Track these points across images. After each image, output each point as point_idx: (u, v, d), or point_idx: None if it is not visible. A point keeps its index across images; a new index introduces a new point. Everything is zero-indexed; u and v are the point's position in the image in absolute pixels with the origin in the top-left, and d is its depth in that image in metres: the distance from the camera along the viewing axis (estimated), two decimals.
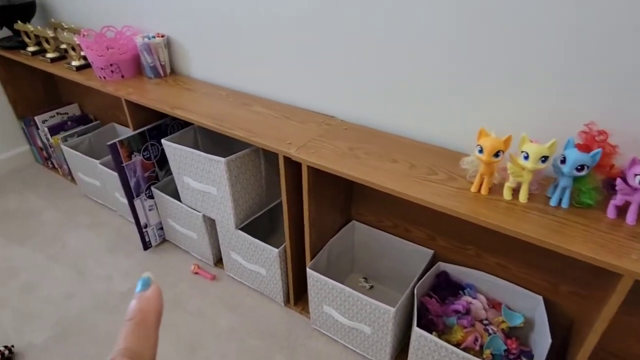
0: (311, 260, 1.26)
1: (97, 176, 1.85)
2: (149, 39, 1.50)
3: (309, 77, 1.28)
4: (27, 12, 1.85)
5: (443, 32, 0.98)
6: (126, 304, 1.55)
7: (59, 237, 1.80)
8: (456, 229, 1.21)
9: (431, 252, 1.27)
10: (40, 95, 2.21)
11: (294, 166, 1.15)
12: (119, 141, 1.45)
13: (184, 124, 1.64)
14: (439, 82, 1.05)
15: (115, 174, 1.68)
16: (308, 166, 1.07)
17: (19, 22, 1.77)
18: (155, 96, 1.42)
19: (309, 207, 1.16)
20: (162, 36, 1.53)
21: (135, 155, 1.52)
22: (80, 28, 1.66)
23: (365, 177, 0.97)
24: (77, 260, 1.68)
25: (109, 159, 1.79)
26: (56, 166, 2.20)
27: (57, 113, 2.13)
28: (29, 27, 1.74)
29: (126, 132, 2.02)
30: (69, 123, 2.08)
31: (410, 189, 0.93)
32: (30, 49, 1.82)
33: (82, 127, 2.04)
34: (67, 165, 2.08)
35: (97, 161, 1.77)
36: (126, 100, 1.46)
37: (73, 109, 2.19)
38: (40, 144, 2.17)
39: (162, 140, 1.40)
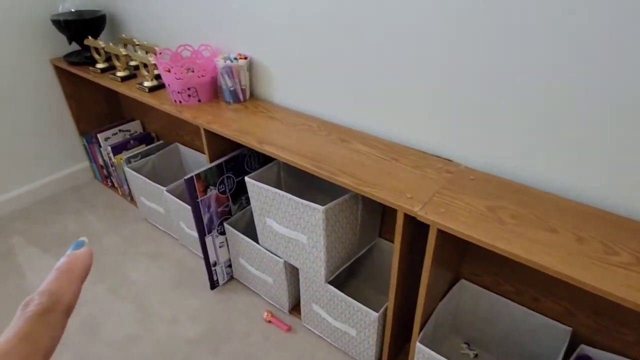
0: (420, 331, 1.06)
1: (161, 203, 1.72)
2: (231, 61, 1.35)
3: (423, 111, 1.09)
4: (96, 27, 1.75)
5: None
6: (194, 354, 1.42)
7: (120, 267, 1.67)
8: (607, 306, 0.98)
9: (569, 329, 1.04)
10: (103, 111, 2.12)
11: (413, 225, 0.96)
12: (196, 175, 1.30)
13: (263, 155, 1.48)
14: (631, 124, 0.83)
15: (182, 203, 1.55)
16: (438, 229, 0.88)
17: (90, 37, 1.67)
18: (238, 126, 1.27)
19: (430, 275, 0.96)
20: (245, 58, 1.38)
21: (210, 190, 1.37)
22: (153, 45, 1.53)
23: (526, 255, 0.76)
24: (140, 296, 1.55)
25: (175, 186, 1.66)
26: (116, 185, 2.10)
27: (120, 130, 2.03)
28: (100, 43, 1.64)
29: (190, 154, 1.90)
30: (131, 142, 1.98)
31: (592, 276, 0.72)
32: (100, 65, 1.71)
33: (145, 148, 1.93)
34: (128, 186, 1.97)
35: (164, 188, 1.64)
36: (205, 130, 1.31)
37: (135, 126, 2.09)
38: (101, 161, 2.08)
39: (246, 179, 1.23)
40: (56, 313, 0.24)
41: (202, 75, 1.38)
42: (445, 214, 0.88)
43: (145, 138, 2.03)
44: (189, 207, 1.53)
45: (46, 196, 2.08)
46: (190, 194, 1.31)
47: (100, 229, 1.88)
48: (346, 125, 1.27)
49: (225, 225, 1.45)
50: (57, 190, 2.11)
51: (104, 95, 2.09)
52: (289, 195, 1.13)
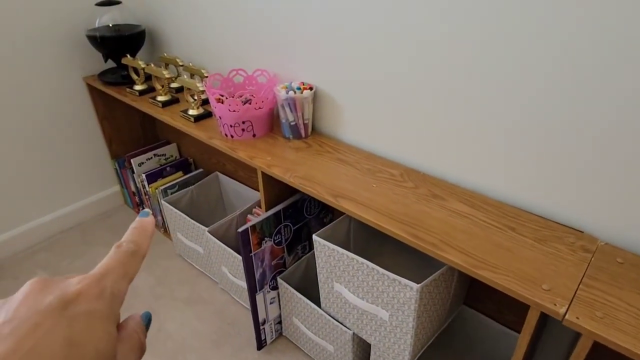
0: None
1: (201, 243, 1.53)
2: (294, 91, 1.15)
3: (545, 163, 0.87)
4: (135, 44, 1.58)
5: None
6: None
7: (155, 315, 1.49)
8: None
9: None
10: (136, 132, 1.95)
11: (542, 317, 0.74)
12: (251, 227, 1.11)
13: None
14: None
15: (225, 246, 1.36)
16: (595, 341, 0.66)
17: (128, 56, 1.50)
18: (304, 172, 1.06)
19: None
20: (310, 88, 1.17)
21: (265, 242, 1.17)
22: (199, 68, 1.35)
23: None
24: (177, 354, 1.35)
25: (217, 226, 1.47)
26: None
27: (155, 155, 1.85)
28: (140, 63, 1.46)
29: (231, 185, 1.71)
30: (167, 169, 1.80)
31: None
32: (138, 87, 1.54)
33: (183, 177, 1.74)
34: (162, 217, 1.79)
35: (205, 229, 1.45)
36: (264, 174, 1.12)
37: (171, 150, 1.91)
38: (133, 188, 1.91)
39: (315, 238, 1.03)
40: (137, 256, 0.29)
41: (260, 108, 1.18)
42: (605, 320, 0.66)
43: (181, 165, 1.85)
44: (232, 252, 1.34)
45: (74, 224, 1.91)
46: (243, 247, 1.12)
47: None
48: (436, 175, 1.05)
49: (279, 280, 1.24)
50: (86, 218, 1.95)
51: (139, 116, 1.92)
52: (371, 265, 0.92)
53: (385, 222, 0.88)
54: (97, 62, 1.72)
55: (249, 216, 1.50)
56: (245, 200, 1.67)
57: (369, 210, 0.92)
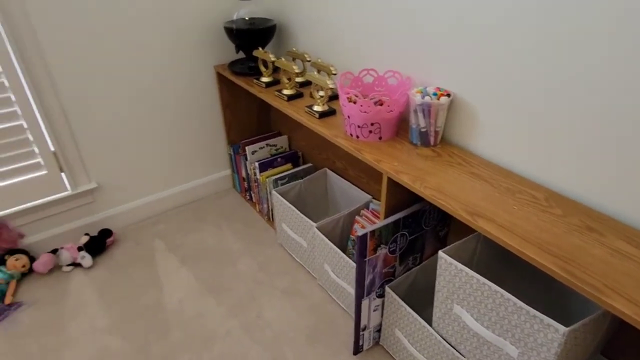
0: None
1: (306, 237, 1.55)
2: (430, 97, 1.10)
3: None
4: (266, 37, 1.63)
5: None
6: None
7: (254, 300, 1.54)
8: None
9: None
10: (252, 122, 2.03)
11: None
12: (370, 232, 1.08)
13: (445, 214, 1.21)
14: None
15: (332, 245, 1.35)
16: None
17: (260, 49, 1.55)
18: (435, 182, 1.01)
19: None
20: (448, 95, 1.11)
21: (381, 248, 1.13)
22: (328, 65, 1.35)
23: None
24: (274, 344, 1.38)
25: (325, 223, 1.47)
26: (254, 200, 2.00)
27: (267, 144, 1.91)
28: (271, 56, 1.50)
29: (338, 183, 1.68)
30: (278, 160, 1.85)
31: None
32: (265, 79, 1.59)
33: (293, 170, 1.78)
34: (268, 205, 1.85)
35: (314, 224, 1.45)
36: (389, 180, 1.08)
37: (282, 142, 1.96)
38: (244, 174, 1.99)
39: (441, 255, 0.97)
40: None
41: (391, 111, 1.14)
42: None
43: (291, 157, 1.89)
44: (339, 251, 1.33)
45: (188, 201, 2.05)
46: (359, 252, 1.09)
47: (237, 249, 1.78)
48: (589, 204, 0.93)
49: (387, 289, 1.20)
50: (199, 196, 2.08)
51: (257, 106, 1.99)
52: (507, 295, 0.84)
53: (532, 251, 0.79)
54: (228, 53, 1.82)
55: (357, 218, 1.48)
56: (352, 200, 1.66)
57: (512, 235, 0.84)
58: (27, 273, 1.63)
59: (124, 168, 1.80)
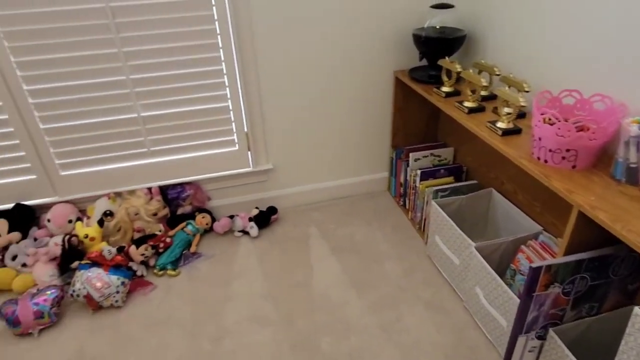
0: None
1: (460, 255, 1.49)
2: None
3: None
4: (453, 48, 1.61)
5: None
6: None
7: (396, 303, 1.55)
8: None
9: None
10: (419, 129, 2.03)
11: None
12: (546, 266, 0.99)
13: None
14: None
15: (490, 269, 1.27)
16: None
17: (447, 58, 1.54)
18: None
19: None
20: None
21: (553, 286, 1.03)
22: (521, 82, 1.26)
23: None
24: (409, 351, 1.37)
25: (485, 246, 1.39)
26: (407, 207, 2.00)
27: (432, 154, 1.89)
28: (457, 67, 1.48)
29: (503, 206, 1.55)
30: (441, 171, 1.81)
31: None
32: (445, 89, 1.57)
33: (455, 184, 1.73)
34: (422, 214, 1.83)
35: (473, 244, 1.39)
36: (580, 214, 0.97)
37: (447, 154, 1.92)
38: (402, 179, 2.01)
39: (638, 311, 0.84)
40: None
41: (594, 139, 1.02)
42: None
43: (455, 171, 1.83)
44: (498, 278, 1.24)
45: (344, 196, 2.17)
46: (528, 286, 1.01)
47: (384, 250, 1.81)
48: None
49: (551, 332, 1.09)
50: (354, 193, 2.18)
51: (427, 114, 1.99)
52: None
53: None
54: (409, 59, 1.85)
55: (522, 247, 1.36)
56: (517, 227, 1.54)
57: None
58: (208, 230, 1.93)
59: (296, 155, 1.99)
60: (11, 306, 1.43)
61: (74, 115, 1.64)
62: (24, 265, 1.64)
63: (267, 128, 1.88)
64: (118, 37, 1.54)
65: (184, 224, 1.85)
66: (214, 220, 1.93)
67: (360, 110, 1.95)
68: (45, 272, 1.60)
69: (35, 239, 1.69)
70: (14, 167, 1.67)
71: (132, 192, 1.81)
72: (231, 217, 1.93)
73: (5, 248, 1.66)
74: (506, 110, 1.28)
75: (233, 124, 1.82)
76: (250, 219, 1.91)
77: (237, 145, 1.87)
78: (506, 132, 1.26)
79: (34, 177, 1.70)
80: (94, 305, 1.51)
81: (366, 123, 2.00)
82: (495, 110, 1.41)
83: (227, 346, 1.42)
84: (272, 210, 1.97)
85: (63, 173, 1.73)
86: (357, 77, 1.86)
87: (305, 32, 1.70)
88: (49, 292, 1.48)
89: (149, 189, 1.82)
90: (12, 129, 1.60)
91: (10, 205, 1.71)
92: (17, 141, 1.62)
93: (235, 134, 1.85)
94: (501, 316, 1.29)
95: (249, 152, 1.90)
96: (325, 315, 1.52)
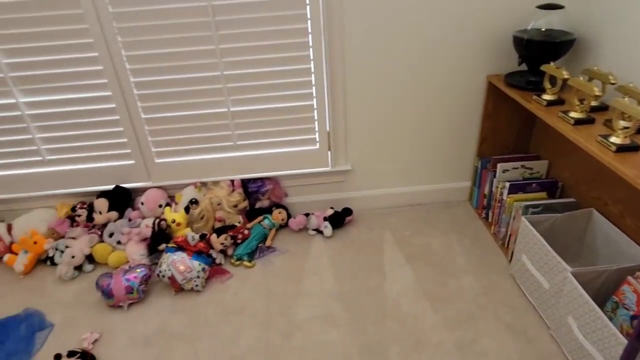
0: None
1: (552, 280, 1.37)
2: None
3: None
4: (559, 52, 1.48)
5: None
6: None
7: (473, 322, 1.46)
8: None
9: None
10: (510, 138, 1.90)
11: None
12: None
13: None
14: None
15: (589, 299, 1.14)
16: None
17: (552, 63, 1.42)
18: None
19: None
20: None
21: None
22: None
23: None
24: None
25: (585, 272, 1.26)
26: (490, 220, 1.89)
27: (522, 166, 1.76)
28: (564, 73, 1.35)
29: (606, 230, 1.39)
30: (533, 185, 1.68)
31: None
32: (547, 97, 1.45)
33: (549, 201, 1.59)
34: (507, 230, 1.71)
35: (569, 269, 1.27)
36: None
37: (540, 167, 1.77)
38: (486, 191, 1.90)
39: None
40: None
41: None
42: None
43: (548, 186, 1.69)
44: (598, 311, 1.11)
45: (420, 202, 2.09)
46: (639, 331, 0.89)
47: (461, 264, 1.72)
48: None
49: None
50: (431, 200, 2.09)
51: (520, 123, 1.85)
52: None
53: None
54: (506, 63, 1.73)
55: (629, 279, 1.21)
56: (621, 255, 1.37)
57: None
58: (284, 226, 1.96)
59: (375, 158, 1.95)
60: (106, 279, 1.56)
61: (171, 107, 1.75)
62: (118, 242, 1.78)
63: (349, 129, 1.87)
64: (216, 35, 1.61)
65: (261, 217, 1.90)
66: (289, 216, 1.96)
67: (446, 115, 1.87)
68: (136, 251, 1.73)
69: (130, 220, 1.83)
70: (116, 152, 1.82)
71: (216, 183, 1.90)
72: (306, 215, 1.95)
73: (104, 225, 1.82)
74: (623, 124, 1.14)
75: (316, 122, 1.83)
76: (325, 219, 1.92)
77: (317, 144, 1.88)
78: (622, 149, 1.13)
79: (132, 162, 1.85)
80: (176, 287, 1.60)
81: (451, 129, 1.91)
82: (607, 123, 1.27)
83: (296, 342, 1.43)
84: (347, 211, 1.96)
85: (158, 160, 1.86)
86: (446, 80, 1.78)
87: (397, 31, 1.66)
88: (138, 270, 1.60)
89: (232, 181, 1.90)
90: (118, 117, 1.74)
91: (110, 187, 1.87)
92: (122, 128, 1.77)
93: (317, 133, 1.86)
94: (599, 353, 1.16)
95: (329, 152, 1.90)
96: (395, 324, 1.47)
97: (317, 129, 1.85)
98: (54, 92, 1.69)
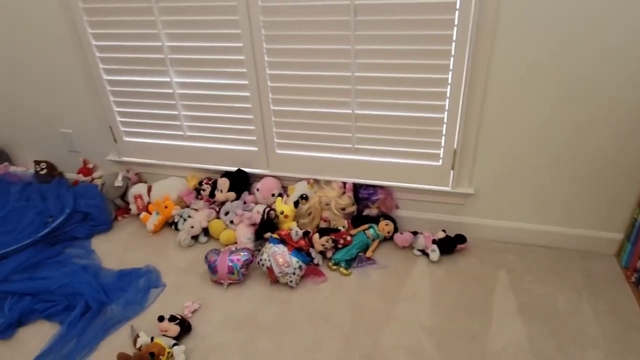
0: None
1: None
2: None
3: None
4: None
5: None
6: None
7: None
8: None
9: None
10: None
11: None
12: None
13: None
14: None
15: None
16: None
17: None
18: None
19: None
20: None
21: None
22: None
23: None
24: None
25: None
26: None
27: None
28: None
29: None
30: None
31: None
32: None
33: None
34: None
35: None
36: None
37: None
38: None
39: None
40: None
41: None
42: None
43: None
44: None
45: (550, 245, 1.80)
46: None
47: (591, 333, 1.43)
48: None
49: None
50: (565, 246, 1.78)
51: None
52: None
53: None
54: None
55: None
56: None
57: None
58: (388, 239, 1.87)
59: (504, 185, 1.73)
60: (214, 256, 1.67)
61: (298, 102, 1.77)
62: (231, 222, 1.90)
63: (480, 150, 1.67)
64: (354, 35, 1.57)
65: (366, 226, 1.84)
66: (396, 230, 1.87)
67: (602, 149, 1.55)
68: (244, 234, 1.82)
69: (245, 202, 1.93)
70: (244, 137, 1.93)
71: (328, 183, 1.89)
72: (414, 233, 1.83)
73: (222, 203, 1.95)
74: None
75: (443, 138, 1.68)
76: (434, 241, 1.77)
77: (440, 160, 1.73)
78: None
79: (256, 149, 1.94)
80: (272, 278, 1.64)
81: (607, 166, 1.59)
82: None
83: None
84: (461, 238, 1.78)
85: (278, 151, 1.91)
86: (607, 108, 1.47)
87: (558, 51, 1.41)
88: (242, 254, 1.68)
89: (344, 183, 1.87)
90: (249, 105, 1.83)
91: (233, 169, 1.99)
92: (251, 116, 1.86)
93: (442, 149, 1.71)
94: None
95: (452, 171, 1.74)
96: None
97: (443, 144, 1.70)
98: (200, 76, 1.84)
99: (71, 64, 1.98)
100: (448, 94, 1.59)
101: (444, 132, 1.67)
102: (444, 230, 1.82)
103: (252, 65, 1.73)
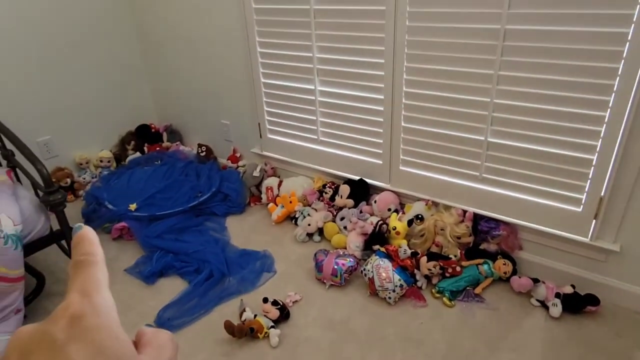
0: None
1: None
2: None
3: None
4: None
5: None
6: None
7: None
8: None
9: None
10: None
11: None
12: None
13: None
14: None
15: None
16: None
17: None
18: None
19: None
20: None
21: None
22: None
23: None
24: None
25: None
26: None
27: None
28: None
29: None
30: None
31: None
32: None
33: None
34: None
35: None
36: None
37: None
38: None
39: None
40: (102, 263, 0.30)
41: None
42: None
43: None
44: None
45: None
46: None
47: None
48: None
49: None
50: None
51: None
52: None
53: None
54: None
55: None
56: None
57: None
58: (503, 280, 1.72)
59: None
60: (322, 255, 1.77)
61: (429, 122, 1.76)
62: (345, 227, 1.98)
63: (635, 202, 1.43)
64: (499, 60, 1.50)
65: (481, 260, 1.72)
66: (514, 272, 1.70)
67: None
68: (354, 241, 1.88)
69: (361, 212, 1.99)
70: (371, 149, 1.99)
71: (447, 208, 1.82)
72: (535, 280, 1.64)
73: (340, 208, 2.05)
74: None
75: (589, 181, 1.49)
76: (558, 295, 1.57)
77: (582, 207, 1.53)
78: None
79: (380, 162, 1.98)
80: (372, 290, 1.66)
81: None
82: None
83: None
84: (592, 299, 1.54)
85: (402, 167, 1.92)
86: None
87: None
88: (348, 259, 1.73)
89: (464, 211, 1.78)
90: (381, 119, 1.88)
91: (356, 178, 2.07)
92: (381, 130, 1.91)
93: (585, 194, 1.51)
94: None
95: (594, 221, 1.52)
96: None
97: (587, 189, 1.50)
98: (341, 86, 1.97)
99: (239, 65, 2.30)
100: (602, 134, 1.40)
101: (590, 176, 1.47)
102: (572, 286, 1.60)
103: (390, 81, 1.78)
